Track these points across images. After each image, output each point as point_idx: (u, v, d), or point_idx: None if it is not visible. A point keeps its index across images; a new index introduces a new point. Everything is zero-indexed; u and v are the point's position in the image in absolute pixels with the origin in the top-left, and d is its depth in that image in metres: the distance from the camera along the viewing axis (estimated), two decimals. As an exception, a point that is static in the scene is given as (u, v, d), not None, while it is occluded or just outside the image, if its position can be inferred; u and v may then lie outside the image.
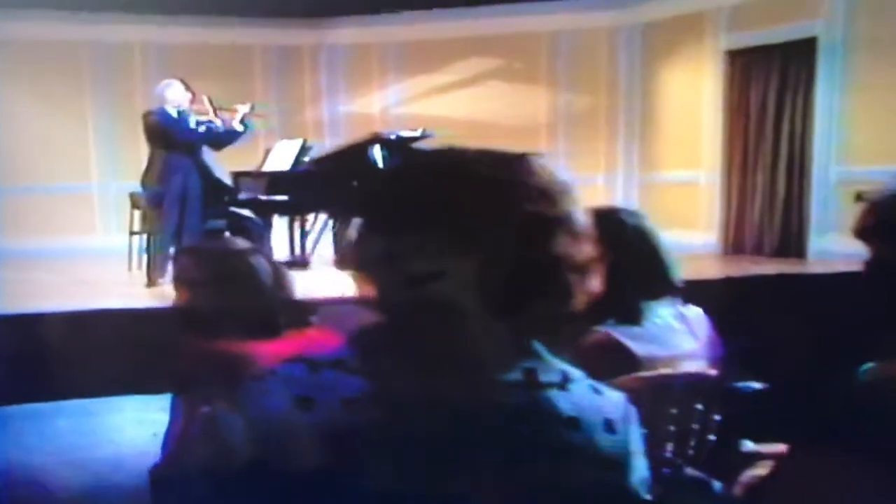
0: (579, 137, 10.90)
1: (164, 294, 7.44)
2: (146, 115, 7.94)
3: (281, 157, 8.69)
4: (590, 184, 10.80)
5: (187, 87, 7.95)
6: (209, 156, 8.34)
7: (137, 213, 9.33)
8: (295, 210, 8.60)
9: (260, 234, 8.74)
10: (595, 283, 1.33)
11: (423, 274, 1.27)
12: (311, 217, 8.97)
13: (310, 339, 2.37)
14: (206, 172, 8.15)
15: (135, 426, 5.54)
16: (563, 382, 1.35)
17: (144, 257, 8.64)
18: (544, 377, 1.34)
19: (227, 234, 8.46)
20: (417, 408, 1.30)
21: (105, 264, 9.49)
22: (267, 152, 9.05)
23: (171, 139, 7.70)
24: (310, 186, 8.31)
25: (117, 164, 11.06)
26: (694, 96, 10.14)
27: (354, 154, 8.38)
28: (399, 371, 1.32)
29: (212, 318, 2.35)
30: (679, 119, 10.31)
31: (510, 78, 11.31)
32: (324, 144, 9.69)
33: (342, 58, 11.83)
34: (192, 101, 7.97)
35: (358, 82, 11.84)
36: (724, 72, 9.73)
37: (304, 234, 8.93)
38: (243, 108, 8.09)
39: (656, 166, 10.63)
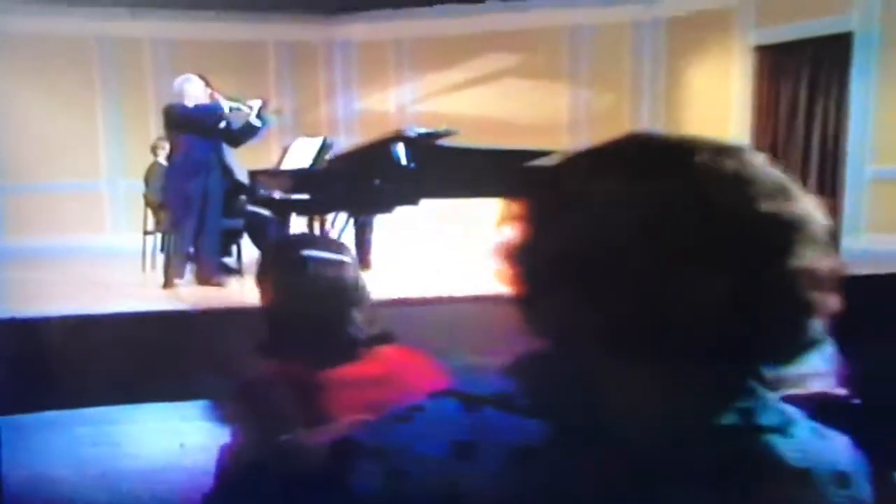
0: (601, 136, 10.36)
1: (181, 296, 7.19)
2: (168, 109, 7.65)
3: (300, 155, 8.41)
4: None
5: (207, 83, 7.67)
6: (229, 153, 8.08)
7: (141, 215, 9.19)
8: (315, 209, 8.32)
9: (278, 232, 8.49)
10: (835, 302, 1.05)
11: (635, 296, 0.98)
12: (330, 216, 8.71)
13: (396, 360, 2.09)
14: (227, 170, 7.89)
15: (158, 436, 5.27)
16: (785, 426, 1.08)
17: (161, 258, 8.40)
18: (764, 419, 1.06)
19: (245, 234, 8.23)
20: (611, 458, 1.02)
21: (116, 264, 9.25)
22: (285, 150, 8.77)
23: (195, 130, 7.44)
24: (331, 185, 8.04)
25: (127, 162, 10.82)
26: (721, 94, 9.88)
27: (377, 152, 8.12)
28: (588, 413, 1.04)
29: (291, 331, 2.07)
30: (705, 117, 10.02)
31: (529, 74, 11.03)
32: (338, 142, 9.40)
33: (356, 54, 11.60)
34: (211, 98, 7.69)
35: (372, 79, 11.58)
36: (752, 68, 9.47)
37: (323, 232, 8.65)
38: (256, 104, 7.81)
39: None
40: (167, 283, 7.52)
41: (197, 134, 7.46)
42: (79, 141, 10.84)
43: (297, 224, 8.74)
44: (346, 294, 2.04)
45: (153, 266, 8.71)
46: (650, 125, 10.56)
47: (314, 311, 2.02)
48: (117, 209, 10.96)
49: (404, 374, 2.03)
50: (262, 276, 2.11)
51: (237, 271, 8.06)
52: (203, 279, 7.61)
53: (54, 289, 7.54)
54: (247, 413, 2.03)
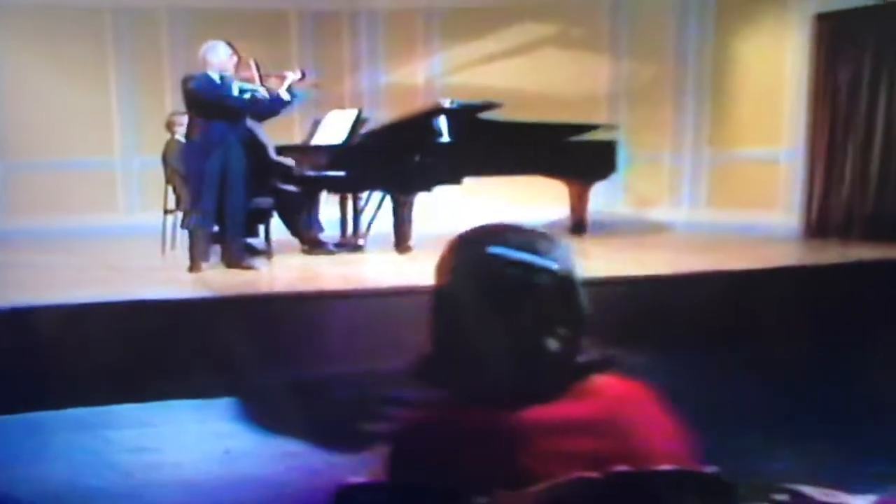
0: (643, 111, 10.07)
1: (209, 280, 6.66)
2: (185, 80, 7.09)
3: (333, 129, 7.88)
4: (654, 161, 10.01)
5: (233, 50, 7.09)
6: (259, 128, 7.54)
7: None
8: (350, 187, 7.83)
9: (309, 212, 8.02)
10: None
11: None
12: (364, 193, 8.19)
13: (615, 395, 1.51)
14: (255, 145, 7.36)
15: (199, 440, 4.74)
16: None
17: (181, 239, 7.93)
18: None
19: (275, 213, 7.72)
20: None
21: (133, 246, 8.78)
22: (315, 123, 8.24)
23: (212, 107, 6.84)
24: (367, 161, 7.51)
25: (142, 138, 10.30)
26: (775, 66, 9.31)
27: (417, 125, 7.61)
28: None
29: (480, 360, 1.48)
30: (757, 91, 9.48)
31: (568, 45, 10.47)
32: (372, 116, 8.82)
33: (382, 24, 11.01)
34: (238, 66, 7.11)
35: (399, 50, 10.99)
36: (811, 38, 8.89)
37: (357, 213, 8.15)
38: (293, 76, 7.23)
39: (729, 143, 9.77)
40: (193, 267, 7.00)
41: (209, 115, 6.86)
42: (91, 116, 10.33)
43: (328, 202, 8.22)
44: (559, 308, 1.47)
45: (173, 247, 8.17)
46: (695, 100, 10.00)
47: (513, 334, 1.45)
48: (131, 188, 10.49)
49: (627, 414, 1.46)
50: (445, 283, 1.52)
51: (265, 252, 7.52)
52: (230, 262, 7.11)
53: (72, 274, 7.03)
54: (414, 470, 1.48)
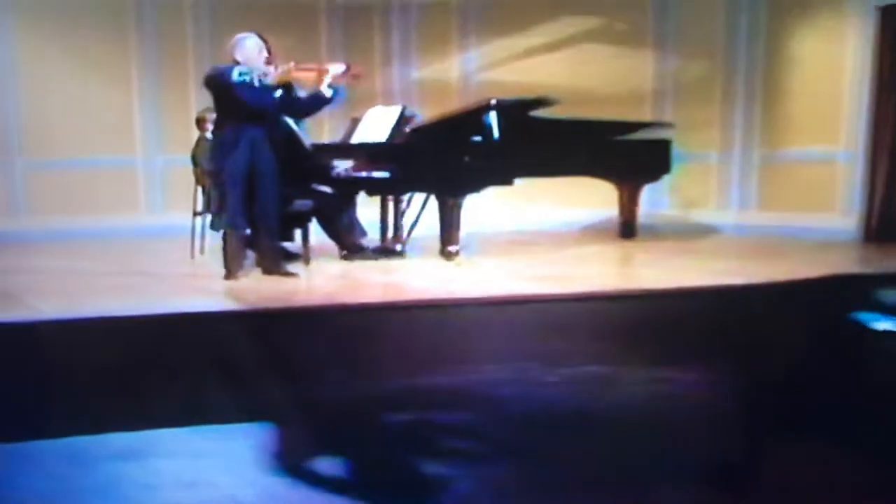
0: (691, 108, 9.60)
1: (248, 290, 6.22)
2: (209, 76, 6.61)
3: (375, 127, 7.43)
4: (702, 161, 9.55)
5: (265, 44, 6.63)
6: (300, 126, 7.11)
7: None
8: (395, 189, 7.41)
9: (350, 215, 7.60)
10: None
11: None
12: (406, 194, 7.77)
13: None
14: (291, 143, 6.91)
15: (252, 468, 4.27)
16: None
17: (210, 243, 7.65)
18: None
19: (315, 219, 7.29)
20: None
21: (158, 249, 8.43)
22: (354, 121, 7.79)
23: (236, 105, 6.39)
24: (413, 162, 7.07)
25: (165, 135, 10.00)
26: (833, 61, 8.87)
27: (466, 123, 7.16)
28: None
29: None
30: (813, 88, 9.03)
31: (611, 39, 9.99)
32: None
33: (416, 16, 10.57)
34: (270, 60, 6.63)
35: (433, 45, 10.53)
36: (875, 31, 8.44)
37: (399, 214, 7.72)
38: (334, 69, 6.72)
39: (782, 142, 9.33)
40: (229, 274, 6.57)
41: (236, 113, 6.40)
42: (112, 112, 9.90)
43: (365, 203, 7.78)
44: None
45: (202, 251, 7.75)
46: (745, 97, 9.55)
47: None
48: (154, 187, 10.08)
49: None
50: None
51: (301, 257, 7.14)
52: (267, 268, 6.71)
53: (104, 281, 6.64)
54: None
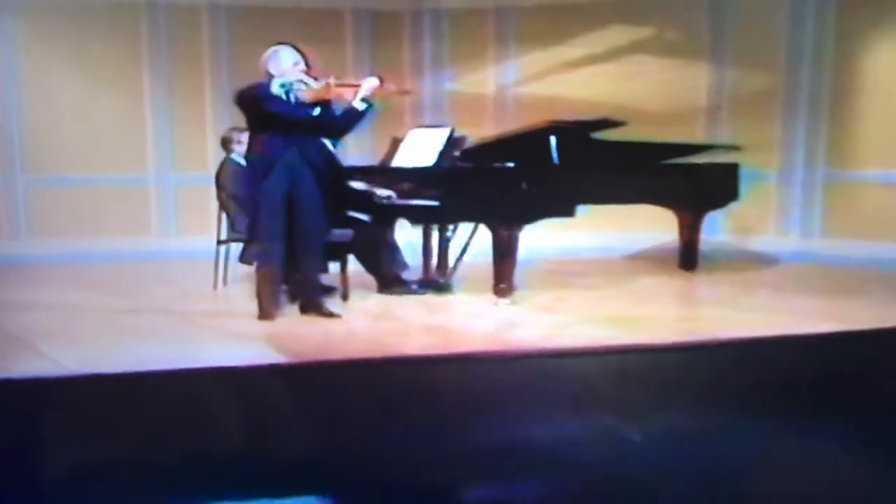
0: (749, 124, 8.87)
1: (288, 335, 5.51)
2: (241, 91, 5.91)
3: (420, 150, 6.73)
4: (760, 181, 8.82)
5: (302, 56, 5.92)
6: (338, 146, 6.42)
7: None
8: (443, 217, 6.71)
9: (391, 246, 6.91)
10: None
11: None
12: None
13: None
14: (332, 166, 6.22)
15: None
16: None
17: (234, 273, 7.09)
18: None
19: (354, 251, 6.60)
20: None
21: (175, 277, 7.78)
22: (394, 142, 7.08)
23: (272, 124, 5.72)
24: (464, 188, 6.36)
25: (179, 152, 9.43)
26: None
27: (524, 146, 6.47)
28: None
29: None
30: (887, 104, 8.33)
31: (662, 51, 9.29)
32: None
33: (448, 24, 9.91)
34: (307, 74, 5.93)
35: (468, 55, 9.88)
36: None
37: (444, 242, 7.02)
38: (368, 83, 6.01)
39: (851, 162, 8.63)
40: (263, 314, 5.87)
41: (271, 132, 5.70)
42: (122, 127, 9.26)
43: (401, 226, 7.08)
44: None
45: (224, 283, 7.04)
46: (809, 113, 8.85)
47: None
48: (166, 208, 9.46)
49: None
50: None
51: (336, 290, 6.51)
52: (306, 307, 6.04)
53: (125, 321, 6.02)
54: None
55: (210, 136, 9.01)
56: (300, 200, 5.80)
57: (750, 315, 6.05)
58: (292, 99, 5.78)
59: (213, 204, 7.24)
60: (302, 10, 9.46)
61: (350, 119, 6.05)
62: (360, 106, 5.98)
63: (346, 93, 6.00)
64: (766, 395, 4.69)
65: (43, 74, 8.94)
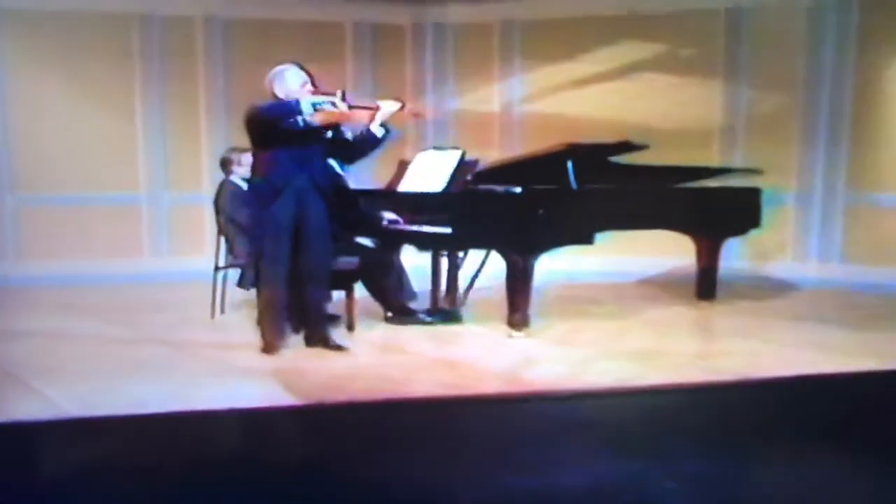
0: (765, 145, 8.60)
1: (295, 370, 5.17)
2: (249, 111, 5.53)
3: (429, 173, 6.40)
4: (778, 204, 8.50)
5: (309, 76, 5.56)
6: (346, 169, 6.13)
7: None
8: (454, 244, 6.40)
9: (398, 273, 6.59)
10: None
11: None
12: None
13: None
14: (340, 191, 5.90)
15: None
16: None
17: (231, 298, 6.77)
18: None
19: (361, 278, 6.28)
20: None
21: (169, 303, 7.50)
22: (402, 165, 6.74)
23: (280, 145, 5.38)
24: (477, 214, 6.02)
25: (172, 169, 9.16)
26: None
27: (540, 169, 6.15)
28: None
29: None
30: (912, 125, 8.07)
31: (675, 68, 9.00)
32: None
33: (452, 38, 9.65)
34: (317, 92, 5.58)
35: (472, 70, 9.62)
36: None
37: (453, 268, 6.70)
38: (388, 106, 5.68)
39: (874, 184, 8.35)
40: (268, 347, 5.58)
41: (279, 144, 5.36)
42: (113, 143, 8.96)
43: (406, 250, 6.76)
44: None
45: (222, 310, 6.70)
46: (829, 134, 8.56)
47: None
48: (159, 228, 9.14)
49: None
50: None
51: (340, 320, 6.25)
52: (311, 339, 5.73)
53: (124, 352, 5.74)
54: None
55: (205, 154, 8.75)
56: (307, 227, 5.50)
57: (780, 351, 5.76)
58: (301, 124, 5.39)
59: (208, 224, 6.98)
60: (300, 22, 9.20)
61: (366, 145, 5.77)
62: (379, 132, 5.69)
63: (364, 116, 5.68)
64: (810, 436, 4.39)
65: (31, 89, 8.63)
